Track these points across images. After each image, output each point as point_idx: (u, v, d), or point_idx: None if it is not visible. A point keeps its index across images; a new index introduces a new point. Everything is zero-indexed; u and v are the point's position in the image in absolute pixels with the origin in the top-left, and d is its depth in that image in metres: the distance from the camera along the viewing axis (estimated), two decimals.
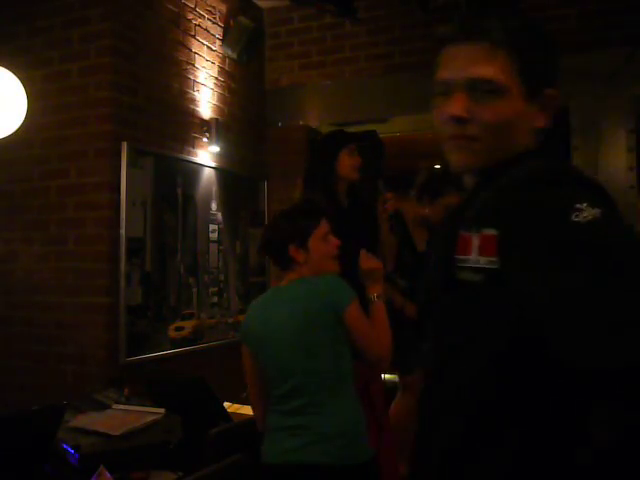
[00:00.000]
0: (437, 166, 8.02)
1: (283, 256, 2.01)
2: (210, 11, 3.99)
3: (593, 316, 0.83)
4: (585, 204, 0.88)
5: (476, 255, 0.94)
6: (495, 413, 0.96)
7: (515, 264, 0.90)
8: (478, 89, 1.01)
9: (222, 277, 3.95)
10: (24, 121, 2.69)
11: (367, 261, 2.10)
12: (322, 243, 2.01)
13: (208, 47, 3.97)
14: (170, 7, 3.60)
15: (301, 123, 4.50)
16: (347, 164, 2.63)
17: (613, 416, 0.86)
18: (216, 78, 4.05)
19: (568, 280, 0.86)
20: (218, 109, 4.04)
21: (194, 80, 3.81)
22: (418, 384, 3.11)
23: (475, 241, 0.95)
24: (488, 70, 1.00)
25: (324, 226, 2.04)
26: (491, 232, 0.93)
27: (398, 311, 2.85)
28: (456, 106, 1.02)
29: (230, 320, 3.98)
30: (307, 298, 1.91)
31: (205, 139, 3.86)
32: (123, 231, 3.14)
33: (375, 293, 2.05)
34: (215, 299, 3.87)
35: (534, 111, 1.04)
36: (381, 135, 4.36)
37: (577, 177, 0.97)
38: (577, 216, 0.87)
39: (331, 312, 1.87)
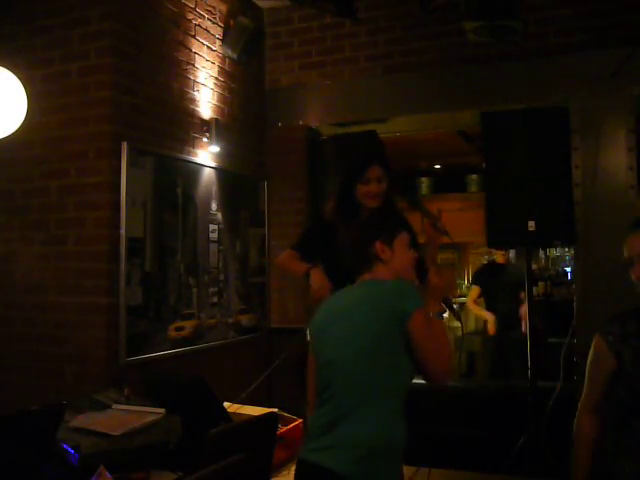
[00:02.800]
0: (437, 166, 8.00)
1: (366, 253, 2.01)
2: (210, 11, 3.99)
3: None
4: None
5: None
6: None
7: None
8: None
9: (222, 277, 3.95)
10: (24, 121, 2.68)
11: (437, 277, 2.09)
12: (405, 250, 2.05)
13: (208, 47, 3.97)
14: (170, 7, 3.60)
15: (301, 123, 4.50)
16: (362, 193, 2.67)
17: None
18: (216, 78, 4.05)
19: None
20: (218, 109, 4.04)
21: (194, 80, 3.81)
22: None
23: None
24: None
25: (407, 236, 2.09)
26: None
27: None
28: None
29: (230, 320, 3.97)
30: (373, 302, 1.89)
31: (205, 139, 3.86)
32: (123, 231, 3.14)
33: (433, 311, 2.00)
34: (215, 299, 3.86)
35: None
36: (381, 135, 4.37)
37: None
38: None
39: (395, 321, 1.82)
